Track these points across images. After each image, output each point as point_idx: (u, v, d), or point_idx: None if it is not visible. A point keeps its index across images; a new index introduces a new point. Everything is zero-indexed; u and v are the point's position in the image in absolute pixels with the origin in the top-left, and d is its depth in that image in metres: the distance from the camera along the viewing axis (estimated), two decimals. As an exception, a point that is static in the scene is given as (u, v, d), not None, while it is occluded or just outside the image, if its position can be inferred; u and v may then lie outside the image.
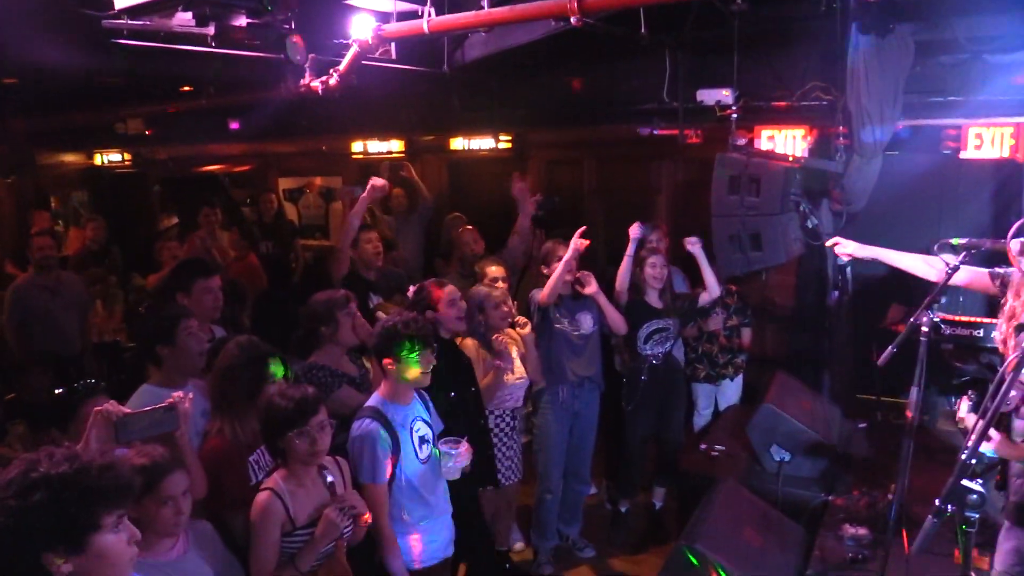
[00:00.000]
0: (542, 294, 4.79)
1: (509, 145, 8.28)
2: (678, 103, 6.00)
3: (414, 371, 3.29)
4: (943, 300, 3.71)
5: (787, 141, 5.72)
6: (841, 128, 5.33)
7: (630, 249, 5.14)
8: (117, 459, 1.83)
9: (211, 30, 4.17)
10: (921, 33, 5.07)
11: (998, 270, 3.26)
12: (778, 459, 4.43)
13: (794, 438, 4.43)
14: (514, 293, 5.47)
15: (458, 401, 3.94)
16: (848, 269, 5.92)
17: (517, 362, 4.56)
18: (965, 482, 2.19)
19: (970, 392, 3.25)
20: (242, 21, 4.22)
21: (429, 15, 4.37)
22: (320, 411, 2.88)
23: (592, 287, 4.81)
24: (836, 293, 6.04)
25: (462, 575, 4.21)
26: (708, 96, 5.57)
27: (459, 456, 3.39)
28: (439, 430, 3.52)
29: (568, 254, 4.69)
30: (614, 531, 5.44)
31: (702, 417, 5.97)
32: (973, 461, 2.21)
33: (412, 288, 4.22)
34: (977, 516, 2.25)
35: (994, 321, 3.77)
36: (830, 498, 4.21)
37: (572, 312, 4.91)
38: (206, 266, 4.44)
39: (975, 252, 3.32)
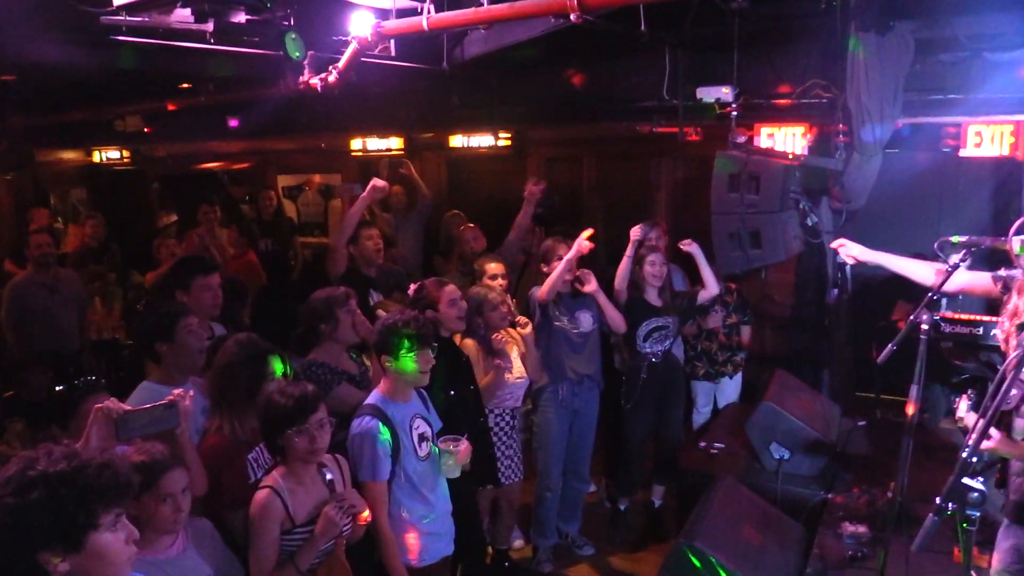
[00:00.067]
0: (541, 291, 4.79)
1: (508, 142, 8.26)
2: (678, 100, 5.99)
3: (413, 369, 3.29)
4: (944, 299, 3.71)
5: (787, 139, 5.71)
6: (841, 126, 5.33)
7: (630, 249, 5.14)
8: (115, 457, 1.82)
9: (210, 26, 4.16)
10: (921, 31, 5.07)
11: (1000, 273, 3.25)
12: (777, 457, 4.42)
13: (793, 436, 4.43)
14: (513, 291, 5.48)
15: (457, 400, 3.94)
16: (847, 267, 5.92)
17: (517, 362, 4.56)
18: (966, 480, 2.19)
19: (969, 391, 3.25)
20: (241, 18, 4.22)
21: (428, 12, 4.36)
22: (319, 409, 2.87)
23: (592, 285, 4.81)
24: (835, 291, 6.03)
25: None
26: (708, 93, 5.56)
27: (459, 454, 3.39)
28: (438, 428, 3.52)
29: (571, 253, 4.69)
30: (613, 529, 5.44)
31: (701, 415, 5.97)
32: (974, 459, 2.21)
33: (412, 287, 4.22)
34: (978, 514, 2.24)
35: (994, 319, 3.77)
36: (829, 496, 4.21)
37: (571, 310, 4.91)
38: (205, 264, 4.44)
39: (975, 250, 3.31)
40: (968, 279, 3.37)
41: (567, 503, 5.18)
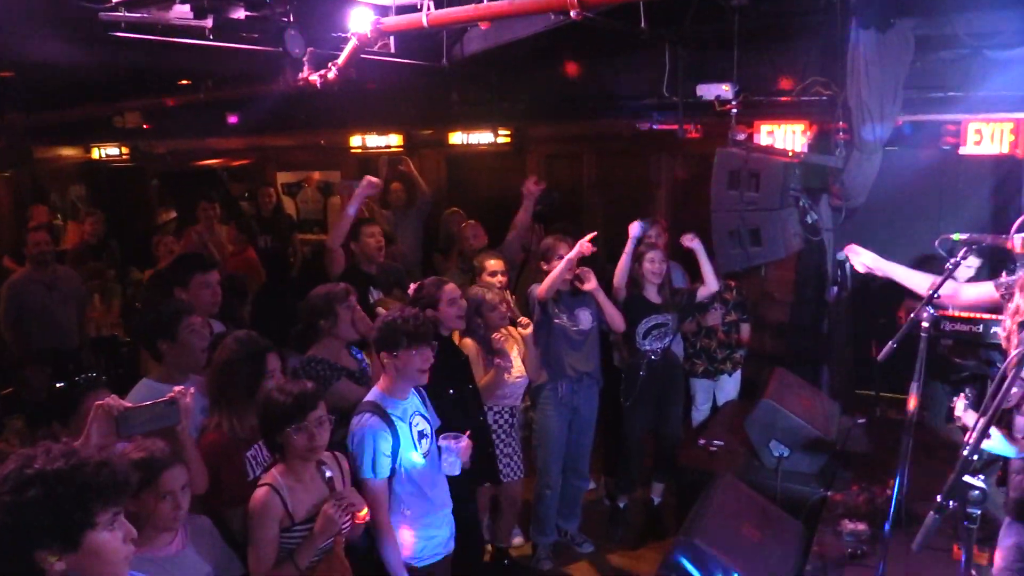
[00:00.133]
0: (540, 289, 4.78)
1: (508, 139, 8.25)
2: (678, 98, 5.98)
3: (413, 367, 3.28)
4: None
5: (787, 136, 5.70)
6: (841, 123, 5.32)
7: (629, 246, 5.14)
8: (114, 456, 1.81)
9: (209, 23, 4.14)
10: (921, 28, 5.06)
11: (1002, 280, 3.25)
12: (777, 455, 4.42)
13: (793, 434, 4.43)
14: (513, 288, 5.47)
15: (456, 398, 3.93)
16: (847, 265, 5.92)
17: (516, 361, 4.56)
18: (967, 478, 2.18)
19: (966, 389, 3.25)
20: (240, 14, 4.20)
21: (428, 8, 4.35)
22: (319, 406, 2.86)
23: (591, 283, 4.80)
24: (835, 289, 6.04)
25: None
26: (708, 91, 5.55)
27: (460, 451, 3.39)
28: (436, 426, 3.51)
29: (572, 253, 4.68)
30: (613, 526, 5.44)
31: (700, 412, 5.97)
32: (975, 457, 2.21)
33: (412, 285, 4.22)
34: (979, 512, 2.24)
35: (995, 317, 3.77)
36: (829, 494, 4.21)
37: (571, 308, 4.90)
38: (204, 261, 4.43)
39: (976, 248, 3.31)
40: (975, 294, 3.35)
41: (566, 501, 5.18)
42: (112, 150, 10.80)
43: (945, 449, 3.87)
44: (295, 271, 8.20)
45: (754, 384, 5.71)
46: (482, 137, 8.24)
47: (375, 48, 4.70)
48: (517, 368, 4.55)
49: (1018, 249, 3.03)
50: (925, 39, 5.08)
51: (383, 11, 4.58)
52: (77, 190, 11.51)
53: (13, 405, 4.51)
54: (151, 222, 9.66)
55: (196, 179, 10.60)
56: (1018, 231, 2.99)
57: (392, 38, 4.72)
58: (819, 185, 5.55)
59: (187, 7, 4.01)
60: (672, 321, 5.22)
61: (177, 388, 2.67)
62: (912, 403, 3.16)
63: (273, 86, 5.64)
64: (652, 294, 5.18)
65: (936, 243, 3.40)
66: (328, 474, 2.98)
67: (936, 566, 3.20)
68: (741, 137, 5.43)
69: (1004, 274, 3.25)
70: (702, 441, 4.91)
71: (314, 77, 4.80)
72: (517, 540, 5.20)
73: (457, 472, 3.45)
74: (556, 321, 4.87)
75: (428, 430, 3.44)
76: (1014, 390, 2.50)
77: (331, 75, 4.76)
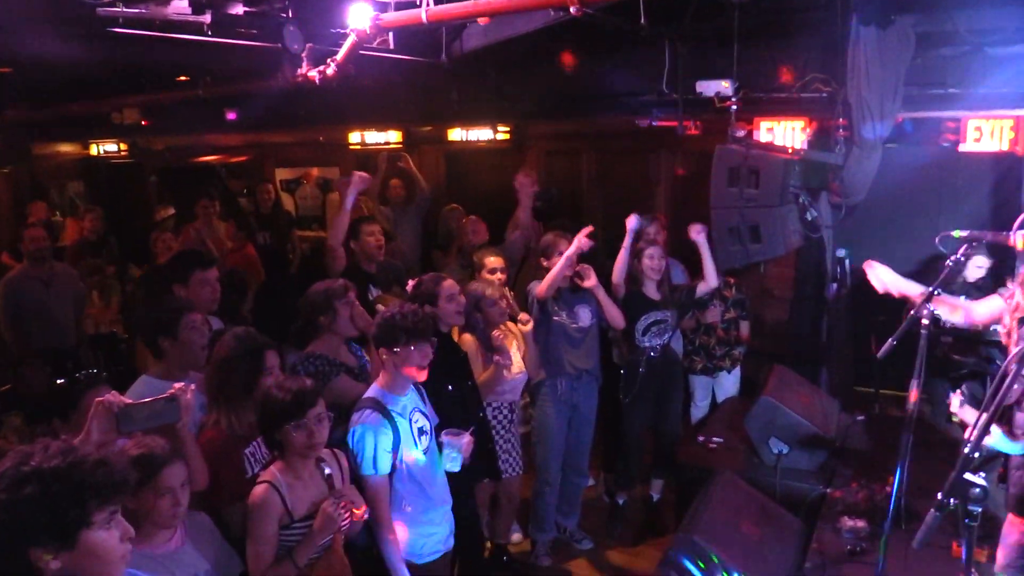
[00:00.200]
0: (540, 288, 4.77)
1: (507, 136, 8.24)
2: (677, 94, 5.97)
3: (412, 364, 3.27)
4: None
5: (786, 133, 5.69)
6: (841, 120, 5.31)
7: (627, 241, 5.12)
8: (112, 454, 1.80)
9: (207, 18, 4.13)
10: (921, 25, 5.06)
11: (1006, 287, 3.26)
12: (776, 451, 4.42)
13: (792, 430, 4.42)
14: (512, 284, 5.46)
15: (456, 394, 3.93)
16: (847, 262, 5.93)
17: (516, 357, 4.55)
18: (968, 476, 2.18)
19: (963, 386, 3.25)
20: (239, 9, 4.19)
21: (427, 4, 4.34)
22: (318, 403, 2.86)
23: (591, 280, 4.79)
24: (835, 286, 6.04)
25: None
26: (707, 88, 5.54)
27: (462, 447, 3.38)
28: (435, 423, 3.51)
29: (571, 250, 4.67)
30: (612, 523, 5.44)
31: (699, 409, 5.97)
32: (975, 455, 2.20)
33: (411, 282, 4.21)
34: (980, 510, 2.24)
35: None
36: (828, 491, 4.21)
37: (570, 305, 4.90)
38: (203, 258, 4.42)
39: (976, 244, 3.30)
40: (988, 311, 3.35)
41: (566, 497, 5.18)
42: (111, 146, 10.76)
43: (945, 447, 3.86)
44: (294, 268, 8.20)
45: (753, 381, 5.70)
46: (481, 134, 8.23)
47: (374, 44, 4.69)
48: (516, 364, 4.54)
49: (1019, 246, 3.03)
50: (926, 36, 5.07)
51: (382, 7, 4.56)
52: (76, 186, 11.49)
53: (11, 402, 4.50)
54: (150, 218, 9.66)
55: (195, 175, 10.60)
56: (1020, 228, 2.99)
57: (391, 34, 4.71)
58: (819, 182, 5.54)
59: (185, 3, 4.00)
60: (671, 318, 5.22)
61: (178, 385, 2.66)
62: (912, 400, 3.16)
63: (272, 82, 5.63)
64: (651, 291, 5.18)
65: (936, 240, 3.40)
66: (327, 471, 2.97)
67: (935, 563, 3.20)
68: (741, 134, 5.42)
69: (1008, 281, 3.26)
70: (701, 438, 4.91)
71: (313, 73, 4.80)
72: (516, 536, 5.20)
73: (458, 468, 3.45)
74: (555, 318, 4.87)
75: (428, 427, 3.43)
76: (1015, 387, 2.50)
77: (330, 71, 4.75)
